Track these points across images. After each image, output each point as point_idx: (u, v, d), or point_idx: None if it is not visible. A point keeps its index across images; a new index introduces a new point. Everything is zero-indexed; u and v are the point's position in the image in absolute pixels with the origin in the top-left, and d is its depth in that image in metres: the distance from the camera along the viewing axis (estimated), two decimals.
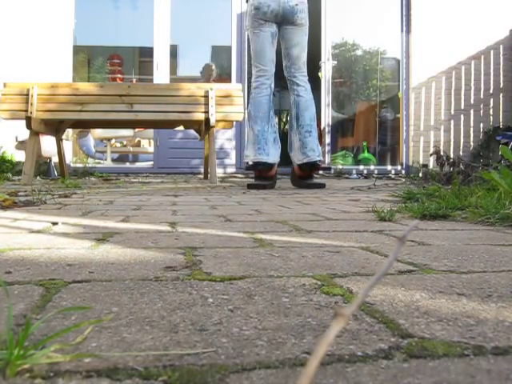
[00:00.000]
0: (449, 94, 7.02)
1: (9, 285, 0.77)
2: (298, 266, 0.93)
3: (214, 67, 7.69)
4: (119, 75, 8.35)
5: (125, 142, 8.70)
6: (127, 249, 1.11)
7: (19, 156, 6.06)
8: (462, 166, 4.02)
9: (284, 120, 15.87)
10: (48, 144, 5.33)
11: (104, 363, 0.47)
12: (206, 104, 4.36)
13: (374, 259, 1.01)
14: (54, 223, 1.55)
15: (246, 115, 3.88)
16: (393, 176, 6.71)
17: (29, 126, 4.15)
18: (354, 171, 6.93)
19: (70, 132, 6.66)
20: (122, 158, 8.49)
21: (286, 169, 7.64)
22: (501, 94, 7.09)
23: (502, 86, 7.08)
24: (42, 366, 0.46)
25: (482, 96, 7.07)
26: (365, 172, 6.99)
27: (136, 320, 0.60)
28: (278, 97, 14.55)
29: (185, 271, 0.88)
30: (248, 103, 3.91)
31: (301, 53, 3.92)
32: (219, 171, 6.15)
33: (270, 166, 3.77)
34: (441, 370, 0.46)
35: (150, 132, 7.32)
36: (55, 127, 4.87)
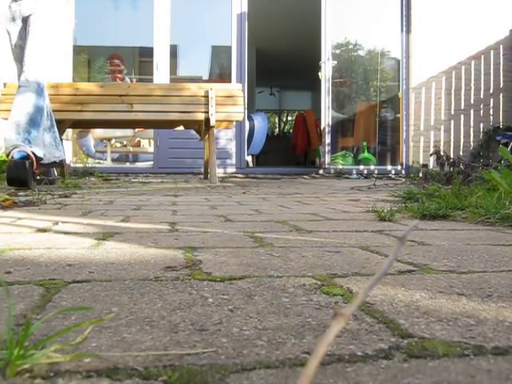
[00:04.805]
0: (449, 94, 7.01)
1: (9, 285, 0.77)
2: (298, 266, 0.93)
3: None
4: (119, 75, 8.35)
5: (125, 142, 8.70)
6: (127, 249, 1.11)
7: None
8: (462, 166, 4.02)
9: (284, 120, 15.84)
10: None
11: (104, 363, 0.47)
12: (206, 104, 4.36)
13: (374, 259, 1.01)
14: (54, 223, 1.55)
15: (49, 116, 3.67)
16: (393, 176, 6.70)
17: None
18: (354, 171, 6.93)
19: (69, 132, 6.66)
20: (121, 158, 8.48)
21: (287, 169, 7.65)
22: (501, 94, 7.08)
23: (502, 85, 7.08)
24: (41, 366, 0.46)
25: (482, 96, 7.07)
26: (365, 172, 6.99)
27: (136, 320, 0.60)
28: (279, 97, 14.54)
29: (185, 271, 0.88)
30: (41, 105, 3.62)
31: None
32: (219, 171, 6.15)
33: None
34: (441, 370, 0.46)
35: (150, 132, 7.31)
36: None
